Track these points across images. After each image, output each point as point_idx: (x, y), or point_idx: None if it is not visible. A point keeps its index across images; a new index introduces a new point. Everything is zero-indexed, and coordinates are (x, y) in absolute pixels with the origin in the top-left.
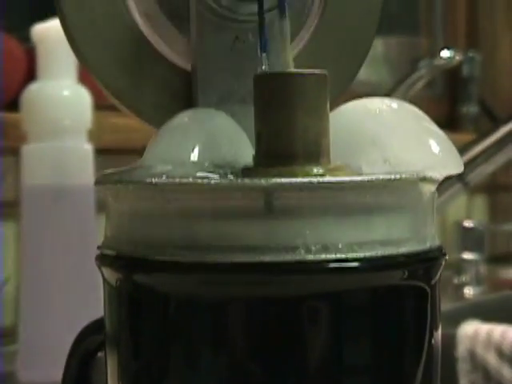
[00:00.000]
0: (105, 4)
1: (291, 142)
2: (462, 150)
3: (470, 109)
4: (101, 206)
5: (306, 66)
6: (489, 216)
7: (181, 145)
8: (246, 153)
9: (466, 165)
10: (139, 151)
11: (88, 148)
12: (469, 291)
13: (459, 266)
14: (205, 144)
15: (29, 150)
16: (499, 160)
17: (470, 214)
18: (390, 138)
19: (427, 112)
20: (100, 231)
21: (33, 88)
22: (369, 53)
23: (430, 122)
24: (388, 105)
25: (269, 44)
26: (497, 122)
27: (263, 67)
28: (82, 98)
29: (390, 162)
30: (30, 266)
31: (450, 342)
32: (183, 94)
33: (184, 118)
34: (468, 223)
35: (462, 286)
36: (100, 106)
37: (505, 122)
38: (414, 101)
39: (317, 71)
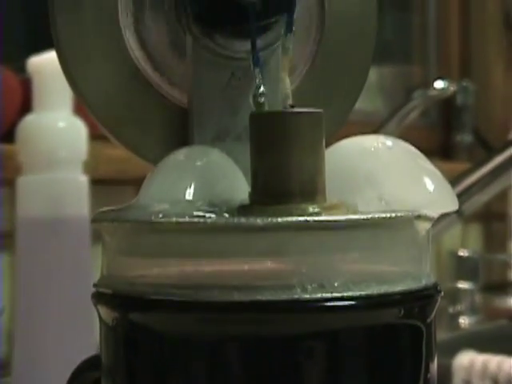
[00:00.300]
0: (103, 39)
1: (287, 180)
2: (457, 179)
3: (464, 137)
4: (96, 237)
5: (302, 103)
6: (483, 245)
7: (176, 183)
8: (241, 190)
9: (461, 194)
10: (135, 182)
11: (83, 179)
12: (464, 320)
13: (454, 295)
14: (200, 182)
15: (24, 182)
16: (494, 189)
17: (465, 242)
18: (385, 175)
19: (421, 141)
20: (95, 262)
21: (28, 119)
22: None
23: (424, 160)
24: (383, 143)
25: (262, 61)
26: (491, 151)
27: (257, 81)
28: (78, 129)
29: (385, 199)
30: (24, 297)
31: (445, 372)
32: (180, 130)
33: (179, 156)
34: (463, 252)
35: (457, 315)
36: (95, 136)
37: (499, 151)
38: (407, 130)
39: (312, 110)
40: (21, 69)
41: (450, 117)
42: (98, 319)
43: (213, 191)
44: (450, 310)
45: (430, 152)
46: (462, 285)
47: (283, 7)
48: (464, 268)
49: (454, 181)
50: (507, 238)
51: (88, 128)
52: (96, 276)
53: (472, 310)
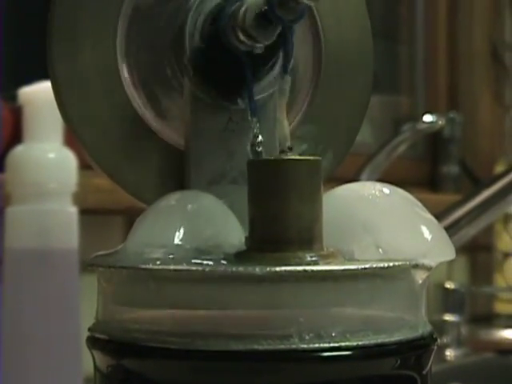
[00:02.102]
0: (101, 81)
1: (285, 228)
2: (445, 212)
3: (451, 169)
4: (85, 267)
5: (301, 142)
6: (469, 277)
7: (164, 228)
8: (232, 234)
9: (449, 228)
10: (124, 212)
11: (73, 211)
12: (450, 353)
13: (440, 328)
14: (188, 227)
15: (13, 213)
16: (482, 223)
17: (451, 275)
18: (382, 223)
19: (408, 172)
20: (84, 292)
21: (18, 150)
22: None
23: (421, 208)
24: (380, 190)
25: (259, 108)
26: (477, 182)
27: (254, 131)
28: (68, 160)
29: (382, 248)
30: (10, 328)
31: None
32: (176, 172)
33: (170, 200)
34: (449, 284)
35: (443, 347)
36: (84, 165)
37: (487, 185)
38: (395, 161)
39: (310, 157)
40: (12, 98)
41: (437, 148)
42: (85, 352)
43: (201, 236)
44: None
45: (416, 183)
46: (449, 317)
47: (279, 50)
48: (450, 300)
49: (441, 214)
50: (493, 270)
51: (77, 157)
52: (84, 307)
53: (458, 343)
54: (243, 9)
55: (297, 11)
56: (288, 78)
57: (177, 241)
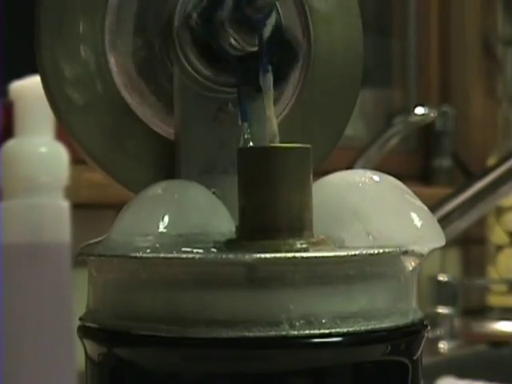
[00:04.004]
0: (87, 71)
1: (275, 216)
2: (437, 205)
3: (443, 162)
4: (77, 262)
5: (290, 133)
6: (462, 269)
7: (148, 216)
8: (222, 224)
9: (441, 220)
10: (115, 206)
11: (64, 205)
12: (443, 345)
13: (434, 320)
14: (173, 216)
15: (5, 207)
16: (474, 216)
17: (444, 267)
18: (372, 211)
19: (401, 166)
20: (76, 286)
21: (10, 144)
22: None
23: (411, 195)
24: (370, 178)
25: (250, 114)
26: (470, 176)
27: (245, 136)
28: (59, 154)
29: (372, 235)
30: (4, 323)
31: None
32: (167, 162)
33: (157, 189)
34: (442, 277)
35: (436, 340)
36: (76, 160)
37: (479, 177)
38: (387, 155)
39: (300, 145)
40: (3, 93)
41: (430, 142)
42: (78, 345)
43: (186, 225)
44: (430, 334)
45: (409, 177)
46: (442, 310)
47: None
48: (443, 293)
49: (433, 207)
50: (486, 263)
51: (69, 152)
52: (76, 302)
53: (451, 335)
54: (225, 16)
55: (264, 9)
56: (269, 76)
57: (161, 229)
